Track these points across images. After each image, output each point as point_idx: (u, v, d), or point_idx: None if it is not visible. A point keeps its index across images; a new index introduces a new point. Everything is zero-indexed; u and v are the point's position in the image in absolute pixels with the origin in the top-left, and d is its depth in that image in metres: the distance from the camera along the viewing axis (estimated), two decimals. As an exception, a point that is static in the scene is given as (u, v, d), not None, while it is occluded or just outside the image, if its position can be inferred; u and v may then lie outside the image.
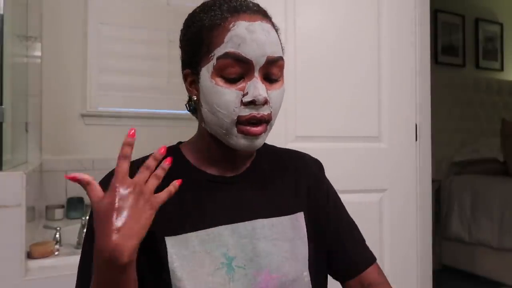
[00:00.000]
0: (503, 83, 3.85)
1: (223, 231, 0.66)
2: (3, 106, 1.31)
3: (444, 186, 3.26)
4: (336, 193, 0.82)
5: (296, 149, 0.84)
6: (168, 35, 2.29)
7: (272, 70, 0.64)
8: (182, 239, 0.64)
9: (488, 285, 2.82)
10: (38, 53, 2.00)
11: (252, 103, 0.62)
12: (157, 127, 2.24)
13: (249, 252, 0.66)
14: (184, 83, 0.70)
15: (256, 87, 0.61)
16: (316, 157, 0.84)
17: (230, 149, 0.67)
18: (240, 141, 0.64)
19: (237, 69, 0.62)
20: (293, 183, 0.76)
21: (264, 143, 0.79)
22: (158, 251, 0.62)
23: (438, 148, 2.83)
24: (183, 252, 0.63)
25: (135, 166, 0.68)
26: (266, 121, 0.64)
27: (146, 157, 0.71)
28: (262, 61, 0.62)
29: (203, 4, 0.68)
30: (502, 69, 4.00)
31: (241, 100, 0.62)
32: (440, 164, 3.26)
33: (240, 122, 0.63)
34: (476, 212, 2.97)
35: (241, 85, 0.62)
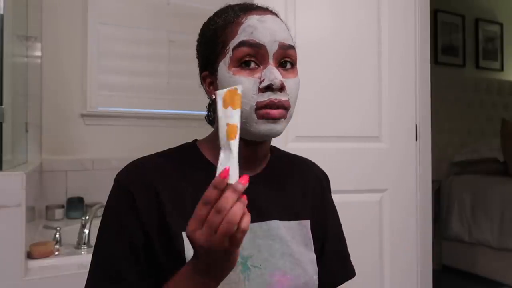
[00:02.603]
0: (503, 83, 3.85)
1: None
2: (3, 106, 1.31)
3: (444, 186, 3.26)
4: (336, 209, 0.84)
5: (296, 149, 0.85)
6: (168, 35, 2.29)
7: (285, 57, 0.67)
8: None
9: (488, 285, 2.83)
10: (38, 53, 2.00)
11: (269, 88, 0.64)
12: (157, 127, 2.24)
13: (264, 252, 0.67)
14: (203, 85, 0.73)
15: (272, 72, 0.64)
16: (316, 157, 0.85)
17: (249, 147, 0.69)
18: (260, 127, 0.65)
19: (252, 56, 0.64)
20: (302, 190, 0.77)
21: (276, 147, 0.81)
22: (176, 245, 0.63)
23: (438, 148, 2.84)
24: None
25: (139, 166, 0.68)
26: (285, 107, 0.65)
27: (149, 157, 0.71)
28: (275, 46, 0.65)
29: (217, 11, 0.72)
30: (502, 69, 4.00)
31: (259, 87, 0.64)
32: (440, 164, 3.26)
33: (259, 107, 0.64)
34: (476, 212, 2.97)
35: (257, 74, 0.64)
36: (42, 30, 2.02)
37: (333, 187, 0.85)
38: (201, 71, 0.73)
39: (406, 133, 1.73)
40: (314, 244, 0.74)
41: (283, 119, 0.66)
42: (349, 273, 0.81)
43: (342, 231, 0.84)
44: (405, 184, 1.72)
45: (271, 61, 0.65)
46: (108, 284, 0.63)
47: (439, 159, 3.14)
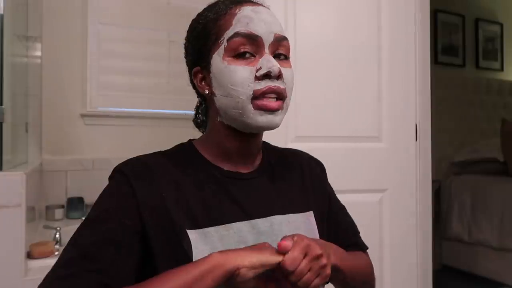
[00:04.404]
0: (503, 83, 3.85)
1: (242, 227, 0.66)
2: (3, 106, 1.31)
3: (444, 186, 3.26)
4: (335, 195, 0.84)
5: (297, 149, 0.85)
6: (168, 35, 2.29)
7: (280, 49, 0.66)
8: (202, 233, 0.63)
9: (488, 285, 2.82)
10: (38, 53, 2.00)
11: (267, 76, 0.63)
12: (157, 127, 2.24)
13: None
14: (194, 82, 0.71)
15: (269, 60, 0.63)
16: (316, 157, 0.85)
17: (245, 140, 0.68)
18: (258, 119, 0.63)
19: (248, 47, 0.63)
20: (300, 181, 0.77)
21: (267, 142, 0.80)
22: (182, 243, 0.61)
23: (438, 148, 2.84)
24: (203, 246, 0.62)
25: (138, 164, 0.68)
26: (282, 97, 0.65)
27: (149, 155, 0.71)
28: (271, 38, 0.64)
29: (207, 6, 0.70)
30: (502, 69, 3.99)
31: (255, 76, 0.63)
32: (440, 164, 3.26)
33: (256, 97, 0.63)
34: (476, 212, 2.96)
35: (253, 63, 0.64)
36: (42, 30, 2.02)
37: (333, 187, 0.85)
38: (191, 68, 0.71)
39: (406, 133, 1.73)
40: (319, 234, 0.73)
41: (280, 111, 0.65)
42: (358, 246, 0.83)
43: (348, 217, 0.85)
44: (405, 184, 1.72)
45: (267, 50, 0.64)
46: (81, 261, 0.57)
47: (439, 159, 3.14)
